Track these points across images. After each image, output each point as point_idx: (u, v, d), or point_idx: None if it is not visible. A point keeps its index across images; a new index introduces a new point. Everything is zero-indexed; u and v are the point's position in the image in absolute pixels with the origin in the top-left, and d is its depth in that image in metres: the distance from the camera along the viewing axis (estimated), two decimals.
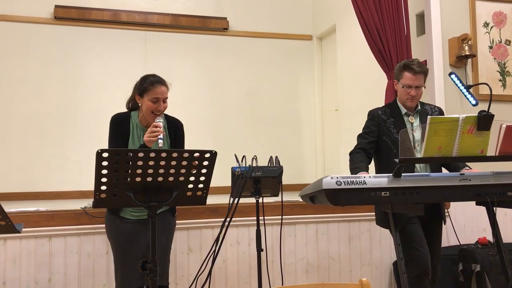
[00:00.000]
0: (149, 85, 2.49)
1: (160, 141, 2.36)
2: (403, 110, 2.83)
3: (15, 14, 5.12)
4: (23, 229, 2.59)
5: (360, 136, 2.86)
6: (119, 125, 2.52)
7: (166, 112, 2.66)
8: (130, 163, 1.82)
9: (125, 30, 5.49)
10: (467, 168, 2.65)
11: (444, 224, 2.85)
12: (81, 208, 3.06)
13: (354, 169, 2.64)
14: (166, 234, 2.60)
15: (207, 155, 1.93)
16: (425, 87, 2.83)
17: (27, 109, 5.07)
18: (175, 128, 2.66)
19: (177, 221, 2.80)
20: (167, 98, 2.55)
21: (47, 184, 5.00)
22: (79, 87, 5.27)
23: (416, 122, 2.82)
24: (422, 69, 2.75)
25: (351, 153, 2.82)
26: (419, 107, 2.85)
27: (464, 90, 3.78)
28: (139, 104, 2.55)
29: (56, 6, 5.22)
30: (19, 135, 5.02)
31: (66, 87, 5.23)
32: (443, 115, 2.96)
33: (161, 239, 2.55)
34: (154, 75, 2.56)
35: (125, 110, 2.67)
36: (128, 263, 2.44)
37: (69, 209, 3.12)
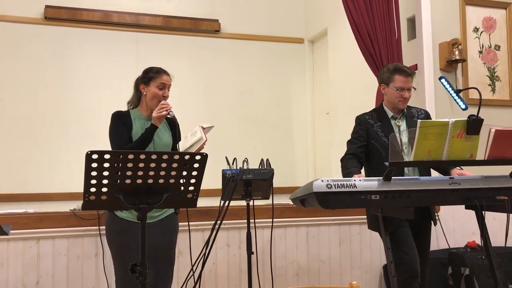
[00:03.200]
0: (155, 73, 2.60)
1: (171, 113, 2.49)
2: (390, 114, 2.86)
3: (5, 14, 5.08)
4: (11, 231, 2.56)
5: (349, 142, 2.88)
6: (121, 118, 2.56)
7: None
8: (120, 165, 1.81)
9: (116, 31, 5.46)
10: (458, 168, 2.67)
11: (435, 225, 2.86)
12: (70, 210, 3.04)
13: (347, 174, 2.63)
14: (172, 238, 2.58)
15: (198, 157, 1.92)
16: (415, 89, 2.86)
17: (16, 110, 5.03)
18: (173, 125, 2.70)
19: None
20: (170, 86, 2.63)
21: (36, 185, 4.95)
22: (70, 87, 5.23)
23: (402, 125, 2.85)
24: (412, 72, 2.84)
25: (342, 160, 2.82)
26: (405, 110, 2.88)
27: (454, 95, 3.80)
28: (144, 93, 2.59)
29: (47, 6, 5.18)
30: (8, 136, 4.97)
31: (57, 88, 5.20)
32: (430, 118, 2.98)
33: (169, 243, 2.53)
34: (159, 67, 2.67)
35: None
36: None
37: (58, 211, 3.09)
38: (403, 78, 2.76)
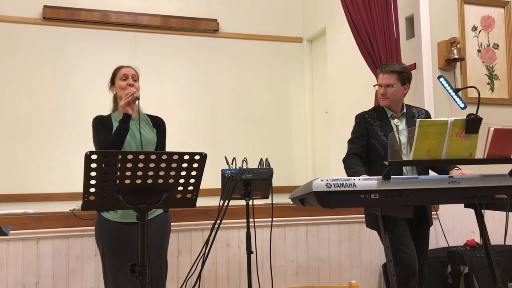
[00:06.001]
0: (116, 70, 2.66)
1: (135, 95, 2.47)
2: (389, 113, 2.85)
3: (4, 14, 5.08)
4: (11, 232, 2.56)
5: (350, 142, 2.86)
6: (100, 120, 2.57)
7: (151, 112, 2.73)
8: (119, 165, 1.81)
9: (114, 31, 5.46)
10: (457, 168, 2.67)
11: (430, 226, 2.86)
12: (70, 210, 3.03)
13: (354, 174, 2.60)
14: (163, 239, 2.57)
15: (197, 157, 1.92)
16: (392, 86, 2.81)
17: (15, 110, 5.03)
18: (158, 125, 2.68)
19: None
20: (135, 77, 2.63)
21: (35, 185, 4.96)
22: (68, 87, 5.24)
23: (402, 124, 2.84)
24: (392, 68, 2.79)
25: (344, 160, 2.81)
26: (405, 110, 2.87)
27: (453, 94, 3.81)
28: (115, 93, 2.64)
29: (45, 7, 5.18)
30: (7, 136, 4.97)
31: (55, 88, 5.20)
32: (430, 118, 2.97)
33: (159, 244, 2.52)
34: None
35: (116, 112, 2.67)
36: (123, 269, 2.37)
37: (57, 211, 3.09)
38: (380, 74, 2.82)
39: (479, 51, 4.10)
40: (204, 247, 2.25)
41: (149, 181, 1.88)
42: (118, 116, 2.55)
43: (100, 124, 2.55)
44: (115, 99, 2.66)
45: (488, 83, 4.10)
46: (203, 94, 5.72)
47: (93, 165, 1.79)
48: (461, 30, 4.03)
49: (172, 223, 3.09)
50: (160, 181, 1.90)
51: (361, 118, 2.87)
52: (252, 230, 2.69)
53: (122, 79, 2.59)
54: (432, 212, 2.88)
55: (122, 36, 5.47)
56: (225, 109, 5.76)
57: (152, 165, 1.85)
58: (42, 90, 5.14)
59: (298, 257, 3.43)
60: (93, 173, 1.80)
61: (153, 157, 1.84)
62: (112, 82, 2.65)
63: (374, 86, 2.89)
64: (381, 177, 2.06)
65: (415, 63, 3.97)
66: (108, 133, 2.51)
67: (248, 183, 2.60)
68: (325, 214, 3.46)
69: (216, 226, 2.28)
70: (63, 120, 5.17)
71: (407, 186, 2.08)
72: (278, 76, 6.03)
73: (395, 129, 2.81)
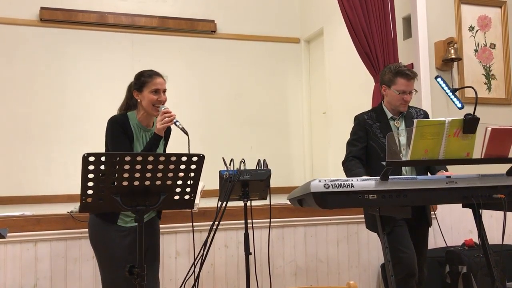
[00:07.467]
0: (147, 77, 2.47)
1: (178, 123, 2.39)
2: (389, 115, 2.83)
3: (0, 16, 5.06)
4: (8, 234, 2.55)
5: (350, 144, 2.85)
6: (121, 126, 2.40)
7: None
8: (117, 167, 1.81)
9: (112, 32, 5.45)
10: (442, 171, 2.66)
11: (430, 226, 2.87)
12: (68, 212, 3.03)
13: (355, 176, 2.59)
14: (157, 241, 2.56)
15: (195, 158, 1.92)
16: (416, 91, 2.84)
17: (12, 112, 5.01)
18: (168, 135, 2.63)
19: (165, 225, 2.77)
20: (165, 90, 2.50)
21: (33, 188, 4.94)
22: (66, 89, 5.22)
23: (401, 126, 2.83)
24: (414, 74, 2.77)
25: (344, 162, 2.80)
26: (404, 111, 2.87)
27: (450, 94, 3.80)
28: (138, 100, 2.47)
29: (42, 8, 5.17)
30: (4, 138, 4.95)
31: (52, 90, 5.19)
32: (428, 118, 2.97)
33: (155, 247, 2.51)
34: (150, 70, 2.54)
35: (114, 113, 2.55)
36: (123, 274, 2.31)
37: (55, 213, 3.08)
38: (405, 81, 2.72)
39: (476, 51, 4.11)
40: (202, 248, 2.25)
41: (147, 182, 1.88)
42: (136, 122, 2.45)
43: (122, 131, 2.38)
44: (132, 98, 2.51)
45: (485, 83, 4.11)
46: (200, 95, 5.72)
47: (91, 167, 1.78)
48: (458, 30, 4.04)
49: (170, 225, 3.11)
50: (158, 182, 1.90)
51: (360, 120, 2.85)
52: (250, 231, 2.69)
53: (153, 92, 2.43)
54: (431, 212, 2.88)
55: (119, 38, 5.46)
56: (223, 110, 5.76)
57: (149, 166, 1.85)
58: (40, 92, 5.13)
59: (296, 258, 3.43)
60: (90, 175, 1.80)
61: (150, 158, 1.84)
62: (139, 88, 2.45)
63: (399, 93, 2.72)
64: (379, 177, 2.06)
65: (412, 63, 3.98)
66: (129, 143, 2.39)
67: (246, 184, 2.60)
68: (323, 214, 3.46)
69: (214, 227, 2.28)
70: (60, 122, 5.15)
71: (405, 187, 2.08)
72: (275, 76, 6.02)
73: (395, 130, 2.80)
